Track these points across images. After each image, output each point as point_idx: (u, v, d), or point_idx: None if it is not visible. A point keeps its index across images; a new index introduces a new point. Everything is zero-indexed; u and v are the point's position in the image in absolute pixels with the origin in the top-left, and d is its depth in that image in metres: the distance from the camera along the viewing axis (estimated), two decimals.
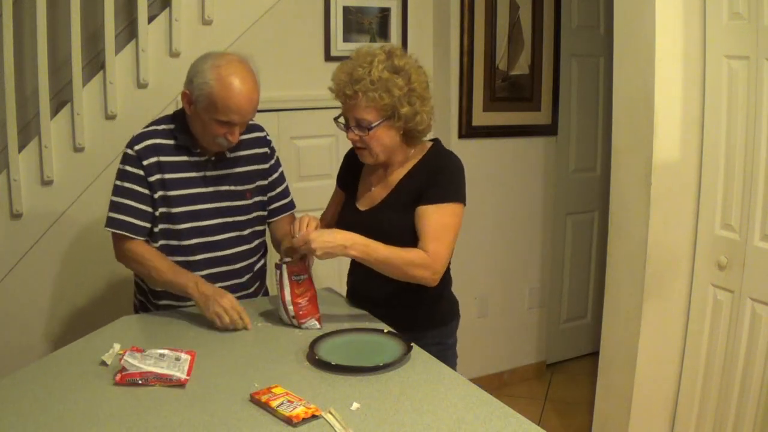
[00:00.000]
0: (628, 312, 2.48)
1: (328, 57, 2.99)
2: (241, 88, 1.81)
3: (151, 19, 2.61)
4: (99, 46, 2.61)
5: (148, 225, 1.92)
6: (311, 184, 2.96)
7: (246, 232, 2.05)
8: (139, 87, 2.61)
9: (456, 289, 2.01)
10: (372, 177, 1.93)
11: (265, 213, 2.13)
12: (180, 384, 1.46)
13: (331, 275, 2.59)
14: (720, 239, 2.32)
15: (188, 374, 1.48)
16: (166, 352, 1.53)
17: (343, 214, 1.99)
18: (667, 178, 2.35)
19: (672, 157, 2.35)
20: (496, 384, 3.53)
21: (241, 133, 1.98)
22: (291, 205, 2.21)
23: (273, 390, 1.40)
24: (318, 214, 2.17)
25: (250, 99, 1.84)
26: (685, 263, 2.44)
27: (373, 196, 1.91)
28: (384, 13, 3.12)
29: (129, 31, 2.68)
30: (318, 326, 1.78)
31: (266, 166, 2.11)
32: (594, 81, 3.63)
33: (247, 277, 2.07)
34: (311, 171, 3.00)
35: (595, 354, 2.90)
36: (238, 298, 2.01)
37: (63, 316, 2.64)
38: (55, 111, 2.55)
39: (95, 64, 2.66)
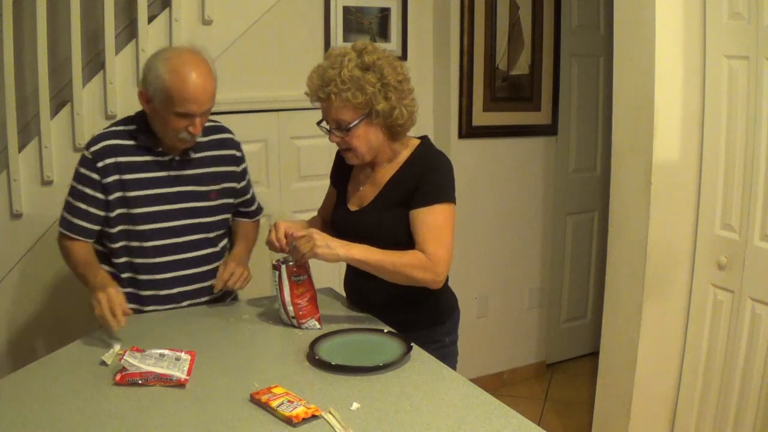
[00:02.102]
0: (628, 312, 2.48)
1: None
2: (194, 77, 1.80)
3: (151, 19, 2.61)
4: (99, 46, 2.61)
5: (97, 228, 1.90)
6: (311, 184, 2.96)
7: (212, 235, 2.02)
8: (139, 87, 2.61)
9: (456, 289, 2.01)
10: (361, 175, 1.93)
11: (229, 216, 2.10)
12: (180, 384, 1.46)
13: (331, 275, 2.59)
14: (720, 239, 2.32)
15: (188, 374, 1.48)
16: (166, 352, 1.53)
17: (335, 213, 1.99)
18: (667, 178, 2.35)
19: (672, 157, 2.35)
20: (496, 384, 3.53)
21: (207, 132, 1.96)
22: (259, 210, 2.23)
23: (273, 390, 1.40)
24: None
25: (205, 88, 1.82)
26: (685, 263, 2.44)
27: (362, 195, 1.90)
28: (384, 13, 3.12)
29: (129, 31, 2.68)
30: (318, 326, 1.78)
31: (238, 169, 2.09)
32: (594, 81, 3.63)
33: (212, 280, 2.02)
34: (311, 171, 3.00)
35: (595, 354, 2.90)
36: (205, 302, 2.01)
37: (63, 316, 2.64)
38: (55, 111, 2.55)
39: (95, 64, 2.66)
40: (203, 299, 2.02)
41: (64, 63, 2.55)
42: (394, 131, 1.82)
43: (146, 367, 1.46)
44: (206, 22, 2.69)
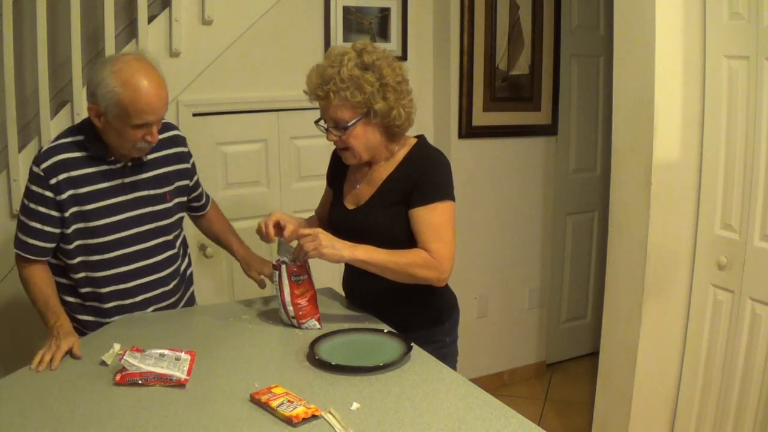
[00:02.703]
0: (628, 312, 2.48)
1: None
2: (148, 86, 1.73)
3: (151, 19, 2.61)
4: (99, 46, 2.61)
5: (52, 246, 1.84)
6: (311, 184, 2.96)
7: (170, 237, 1.99)
8: None
9: (456, 289, 2.01)
10: (357, 174, 1.93)
11: (184, 214, 2.07)
12: (180, 384, 1.46)
13: (331, 275, 2.59)
14: (720, 239, 2.32)
15: (188, 374, 1.48)
16: (166, 352, 1.52)
17: (332, 212, 1.99)
18: (667, 178, 2.35)
19: (672, 157, 2.35)
20: (496, 384, 3.53)
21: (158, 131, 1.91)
22: (209, 199, 2.23)
23: (273, 390, 1.40)
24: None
25: (159, 95, 1.76)
26: (685, 263, 2.44)
27: (359, 194, 1.90)
28: (384, 13, 3.12)
29: (129, 31, 2.68)
30: (318, 326, 1.78)
31: (188, 165, 2.05)
32: (594, 81, 3.63)
33: (173, 283, 2.01)
34: (311, 171, 3.00)
35: (595, 354, 2.90)
36: (165, 307, 2.00)
37: None
38: (55, 111, 2.55)
39: (95, 64, 2.66)
40: (166, 303, 2.00)
41: (64, 63, 2.55)
42: (392, 132, 1.82)
43: (146, 367, 1.46)
44: (206, 22, 2.69)
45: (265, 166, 2.95)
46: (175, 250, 2.02)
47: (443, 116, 3.25)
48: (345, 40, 3.01)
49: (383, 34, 3.12)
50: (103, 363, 1.55)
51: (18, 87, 2.42)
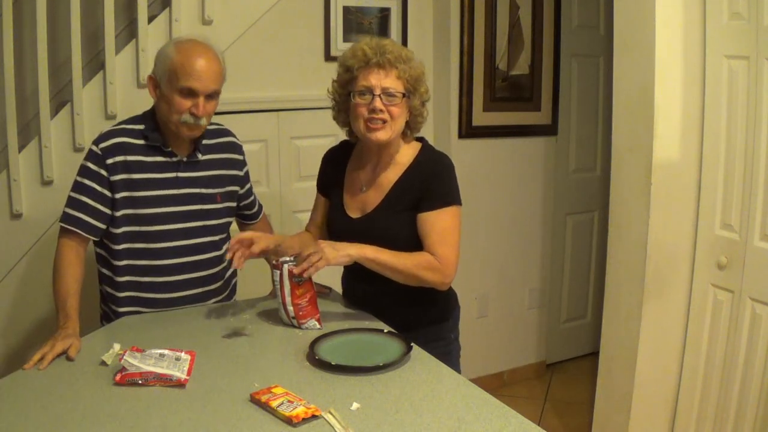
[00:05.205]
0: (628, 312, 2.48)
1: (328, 57, 2.99)
2: (199, 55, 1.82)
3: (151, 19, 2.61)
4: (99, 46, 2.61)
5: (102, 226, 1.87)
6: (311, 184, 2.95)
7: (216, 238, 2.02)
8: (139, 87, 2.61)
9: (456, 288, 2.00)
10: (359, 180, 1.90)
11: (232, 219, 2.11)
12: (180, 384, 1.46)
13: (331, 275, 2.59)
14: (720, 239, 2.32)
15: (188, 374, 1.48)
16: (166, 352, 1.52)
17: (334, 222, 1.95)
18: (667, 178, 2.35)
19: (672, 157, 2.35)
20: (496, 384, 3.53)
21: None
22: (261, 209, 2.27)
23: (273, 390, 1.40)
24: None
25: (210, 66, 1.82)
26: (685, 263, 2.44)
27: (365, 200, 1.88)
28: (384, 13, 3.12)
29: (129, 31, 2.68)
30: (318, 326, 1.78)
31: (241, 173, 2.10)
32: (594, 81, 3.63)
33: (217, 284, 2.03)
34: (311, 171, 2.96)
35: (595, 354, 2.90)
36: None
37: None
38: (55, 111, 2.55)
39: (95, 64, 2.66)
40: (210, 301, 2.02)
41: (64, 63, 2.55)
42: (410, 127, 1.85)
43: (146, 367, 1.46)
44: (206, 22, 2.69)
45: (265, 166, 2.95)
46: (219, 252, 2.03)
47: (443, 116, 3.25)
48: (345, 40, 3.01)
49: (383, 34, 3.12)
50: (103, 363, 1.55)
51: (18, 87, 2.42)
